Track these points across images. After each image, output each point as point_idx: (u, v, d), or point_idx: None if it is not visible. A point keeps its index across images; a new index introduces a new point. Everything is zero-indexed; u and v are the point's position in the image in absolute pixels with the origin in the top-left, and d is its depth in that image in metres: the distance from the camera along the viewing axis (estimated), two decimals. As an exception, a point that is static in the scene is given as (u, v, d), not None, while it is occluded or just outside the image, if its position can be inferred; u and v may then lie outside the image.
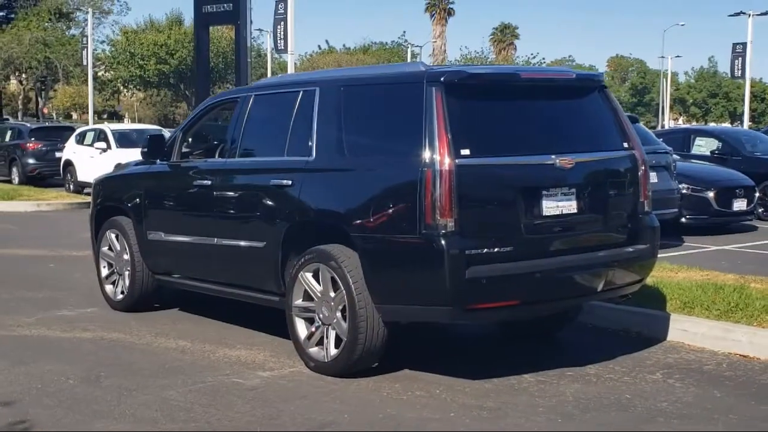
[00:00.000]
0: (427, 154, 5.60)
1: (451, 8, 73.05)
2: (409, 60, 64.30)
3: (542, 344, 7.15)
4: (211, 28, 41.78)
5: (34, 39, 51.98)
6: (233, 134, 7.25)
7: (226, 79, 53.94)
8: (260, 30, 58.23)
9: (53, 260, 11.58)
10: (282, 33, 32.22)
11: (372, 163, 6.02)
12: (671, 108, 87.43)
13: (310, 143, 6.42)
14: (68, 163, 23.08)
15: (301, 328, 6.37)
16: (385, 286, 5.86)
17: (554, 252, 6.01)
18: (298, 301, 6.37)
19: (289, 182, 6.47)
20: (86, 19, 73.37)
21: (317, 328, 6.26)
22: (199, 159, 7.69)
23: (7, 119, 47.81)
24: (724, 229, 14.34)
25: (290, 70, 31.80)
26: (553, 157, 5.96)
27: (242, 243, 6.89)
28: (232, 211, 7.09)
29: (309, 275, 6.25)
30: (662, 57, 77.40)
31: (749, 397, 5.76)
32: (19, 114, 68.30)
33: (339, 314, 6.06)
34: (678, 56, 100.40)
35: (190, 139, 7.82)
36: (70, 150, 23.13)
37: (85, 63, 40.94)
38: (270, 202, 6.65)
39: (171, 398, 5.67)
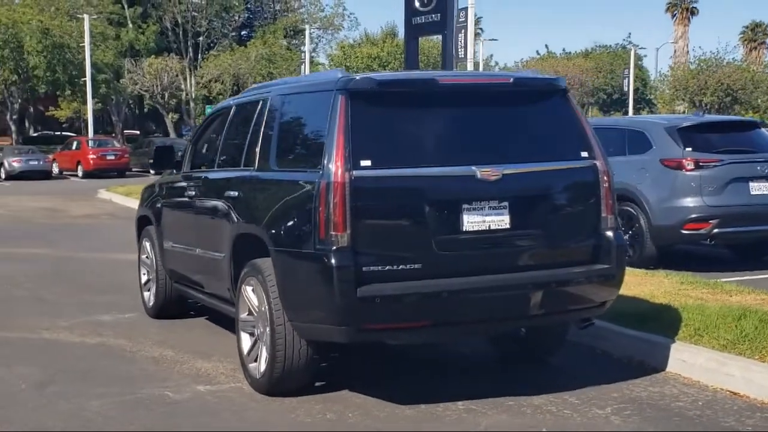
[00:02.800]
0: (324, 166, 5.35)
1: (695, 7, 69.87)
2: (631, 62, 62.03)
3: (524, 369, 6.62)
4: (423, 38, 42.75)
5: (260, 56, 54.85)
6: (215, 146, 7.32)
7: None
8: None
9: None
10: (462, 41, 32.18)
11: (288, 175, 5.85)
12: None
13: (255, 155, 6.34)
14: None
15: (245, 343, 6.28)
16: (291, 302, 5.65)
17: (477, 270, 5.53)
18: (243, 315, 6.29)
19: (236, 194, 6.43)
20: (320, 36, 77.09)
21: (255, 343, 6.15)
22: (196, 171, 7.80)
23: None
24: None
25: (470, 77, 31.72)
26: (474, 168, 5.50)
27: (210, 254, 6.94)
28: (204, 222, 7.13)
29: (249, 289, 6.15)
30: None
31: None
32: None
33: (268, 330, 5.92)
34: None
35: (196, 151, 7.95)
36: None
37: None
38: (224, 214, 6.63)
39: (88, 408, 5.75)
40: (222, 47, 66.79)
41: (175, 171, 8.14)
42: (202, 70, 56.15)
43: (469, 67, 31.12)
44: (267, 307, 5.81)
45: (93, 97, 47.88)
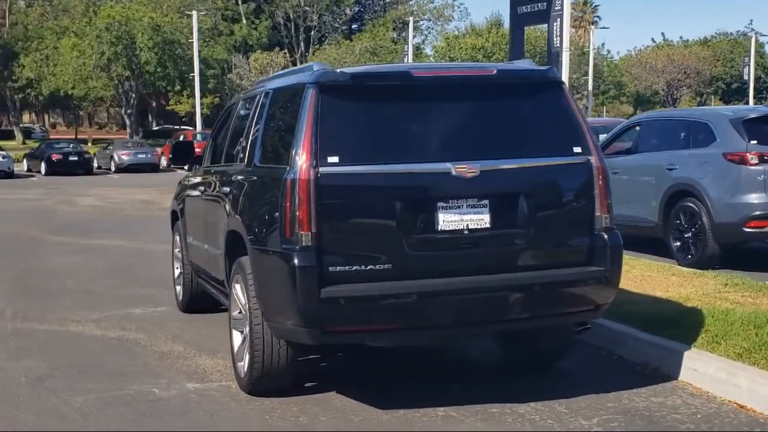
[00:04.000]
0: (291, 162, 5.20)
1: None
2: (752, 50, 59.51)
3: (527, 374, 6.31)
4: (529, 28, 41.98)
5: (364, 49, 55.08)
6: (224, 141, 7.26)
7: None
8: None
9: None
10: (558, 30, 31.27)
11: (264, 171, 5.73)
12: None
13: (246, 150, 6.25)
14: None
15: (236, 341, 6.18)
16: (264, 301, 5.52)
17: (455, 272, 5.27)
18: (234, 313, 6.20)
19: (228, 190, 6.36)
20: (429, 27, 76.88)
21: (243, 341, 6.06)
22: (209, 166, 7.74)
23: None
24: None
25: (564, 67, 30.78)
26: (449, 165, 5.24)
27: (212, 250, 6.90)
28: (209, 218, 7.08)
29: (238, 287, 6.06)
30: None
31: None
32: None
33: (247, 329, 5.80)
34: None
35: (215, 146, 7.91)
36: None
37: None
38: (220, 210, 6.56)
39: (71, 404, 5.77)
40: (332, 41, 67.49)
41: (197, 166, 8.14)
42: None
43: (564, 58, 30.17)
44: (247, 305, 5.71)
45: (205, 92, 48.98)
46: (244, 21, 66.86)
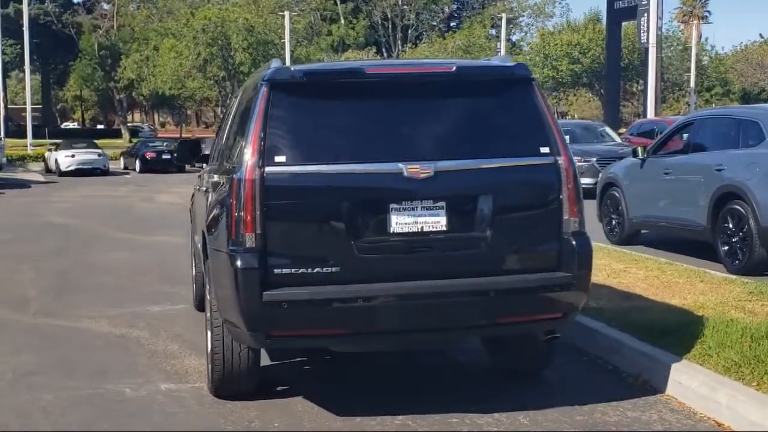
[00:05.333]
0: (240, 161, 5.09)
1: None
2: None
3: (505, 383, 6.05)
4: (627, 23, 41.04)
5: (456, 46, 54.78)
6: (218, 139, 7.21)
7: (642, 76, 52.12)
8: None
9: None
10: (645, 25, 30.33)
11: (225, 170, 5.64)
12: None
13: (222, 150, 6.19)
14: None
15: (209, 343, 6.12)
16: (219, 304, 5.42)
17: (408, 276, 5.06)
18: (208, 314, 6.14)
19: (205, 188, 6.32)
20: (529, 24, 75.87)
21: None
22: (208, 164, 7.69)
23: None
24: None
25: (650, 63, 29.88)
26: (400, 165, 5.03)
27: (199, 249, 6.85)
28: (197, 218, 7.05)
29: (208, 288, 5.99)
30: None
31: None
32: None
33: (209, 331, 5.73)
34: None
35: (217, 144, 7.85)
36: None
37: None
38: (201, 210, 6.52)
39: (39, 401, 5.79)
40: (429, 39, 67.29)
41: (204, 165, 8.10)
42: (402, 63, 56.81)
43: (652, 54, 29.32)
44: (209, 307, 5.64)
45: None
46: (342, 21, 67.33)
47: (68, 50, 72.81)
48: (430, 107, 5.30)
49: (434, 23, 74.98)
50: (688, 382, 5.54)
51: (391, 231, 5.05)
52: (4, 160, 34.62)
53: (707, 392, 5.33)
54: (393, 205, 5.04)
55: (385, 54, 67.03)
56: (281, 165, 5.00)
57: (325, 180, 5.06)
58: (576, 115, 72.14)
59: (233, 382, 5.64)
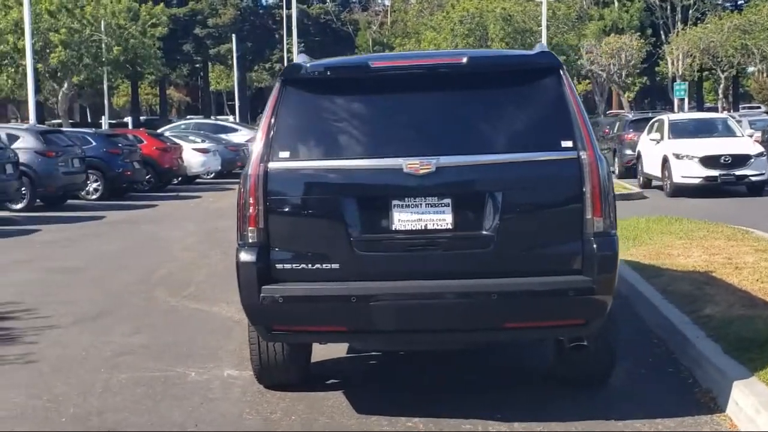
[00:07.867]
0: (249, 158, 5.16)
1: None
2: None
3: (556, 390, 5.65)
4: None
5: (733, 26, 51.18)
6: None
7: None
8: None
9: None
10: None
11: None
12: None
13: None
14: (638, 156, 22.91)
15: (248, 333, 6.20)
16: None
17: (411, 275, 4.87)
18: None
19: None
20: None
21: (265, 333, 6.09)
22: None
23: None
24: None
25: None
26: (400, 161, 4.84)
27: None
28: None
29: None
30: None
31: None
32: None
33: (249, 323, 5.84)
34: None
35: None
36: (642, 141, 22.89)
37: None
38: None
39: (110, 379, 6.16)
40: (713, 18, 63.26)
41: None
42: (670, 46, 54.10)
43: None
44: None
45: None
46: (616, 4, 65.22)
47: (347, 47, 76.26)
48: (437, 100, 5.12)
49: (718, 2, 70.49)
50: (743, 401, 4.92)
51: (394, 228, 4.90)
52: None
53: (753, 414, 4.71)
54: (395, 202, 4.90)
55: (662, 36, 64.17)
56: (285, 160, 5.02)
57: (325, 176, 5.04)
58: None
59: (271, 373, 5.72)
